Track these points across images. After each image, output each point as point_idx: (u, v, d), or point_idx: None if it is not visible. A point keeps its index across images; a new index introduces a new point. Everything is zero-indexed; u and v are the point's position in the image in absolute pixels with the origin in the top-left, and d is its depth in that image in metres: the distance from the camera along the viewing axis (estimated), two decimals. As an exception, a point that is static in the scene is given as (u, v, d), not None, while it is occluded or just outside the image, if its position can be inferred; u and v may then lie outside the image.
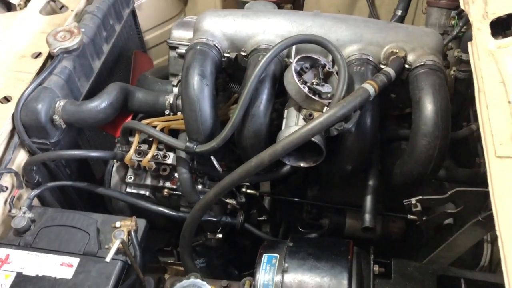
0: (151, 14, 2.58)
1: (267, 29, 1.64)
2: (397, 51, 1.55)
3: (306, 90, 1.44)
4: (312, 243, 1.46)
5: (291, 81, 1.46)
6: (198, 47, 1.59)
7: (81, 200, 1.89)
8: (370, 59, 1.57)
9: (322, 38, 1.49)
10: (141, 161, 1.66)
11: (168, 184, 1.73)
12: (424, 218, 1.56)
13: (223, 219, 1.70)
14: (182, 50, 1.93)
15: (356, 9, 2.67)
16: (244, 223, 1.72)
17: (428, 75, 1.50)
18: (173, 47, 1.97)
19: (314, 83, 1.48)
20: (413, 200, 1.47)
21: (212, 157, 1.55)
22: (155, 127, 1.68)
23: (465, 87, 1.94)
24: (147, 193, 1.75)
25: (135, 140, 1.64)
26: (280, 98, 1.65)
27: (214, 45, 1.61)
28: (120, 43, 2.20)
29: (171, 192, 1.73)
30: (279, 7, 2.32)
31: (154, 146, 1.63)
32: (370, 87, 1.39)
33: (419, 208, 1.48)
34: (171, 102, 1.76)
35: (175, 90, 1.87)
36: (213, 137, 1.54)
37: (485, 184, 1.54)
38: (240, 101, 1.46)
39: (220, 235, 1.76)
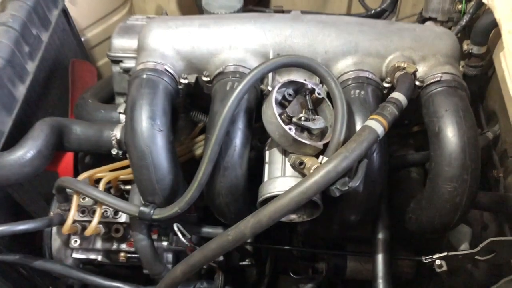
0: (88, 8, 2.12)
1: (234, 43, 1.25)
2: (404, 65, 1.19)
3: (293, 132, 1.08)
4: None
5: (273, 121, 1.10)
6: (144, 76, 1.19)
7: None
8: (370, 76, 1.21)
9: (308, 60, 1.11)
10: (87, 222, 1.29)
11: (124, 247, 1.37)
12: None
13: (197, 285, 1.37)
14: (127, 64, 1.53)
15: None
16: (224, 287, 1.39)
17: (447, 96, 1.16)
18: (117, 61, 1.55)
19: (302, 118, 1.12)
20: (437, 260, 1.16)
21: (175, 226, 1.19)
22: (98, 180, 1.29)
23: (476, 85, 1.61)
24: (99, 258, 1.39)
25: (73, 203, 1.26)
26: (257, 124, 1.28)
27: (166, 70, 1.22)
28: (52, 54, 1.76)
29: (129, 255, 1.37)
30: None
31: (100, 208, 1.25)
32: (377, 126, 1.04)
33: (444, 268, 1.17)
34: (118, 138, 1.38)
35: (122, 118, 1.48)
36: (175, 196, 1.18)
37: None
38: (207, 152, 1.09)
39: (195, 300, 1.43)
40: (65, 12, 1.89)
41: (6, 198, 1.50)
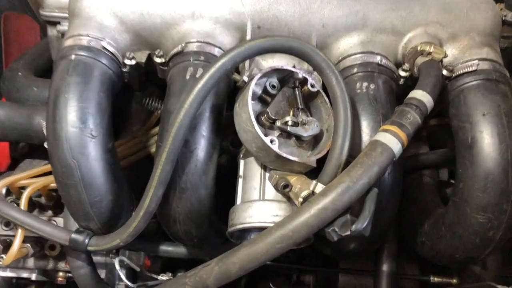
0: None
1: (199, 9, 0.91)
2: (430, 49, 0.87)
3: (276, 146, 0.78)
4: None
5: (248, 129, 0.79)
6: (72, 57, 0.86)
7: None
8: (383, 62, 0.90)
9: (301, 43, 0.79)
10: (11, 238, 1.00)
11: (62, 266, 1.10)
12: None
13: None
14: (65, 26, 1.18)
15: None
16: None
17: (485, 94, 0.86)
18: (52, 22, 1.20)
19: (289, 122, 0.81)
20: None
21: (117, 264, 0.91)
22: (23, 188, 0.99)
23: (508, 60, 1.30)
24: (33, 277, 1.12)
25: (-14, 223, 0.95)
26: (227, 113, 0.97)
27: (104, 48, 0.89)
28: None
29: (69, 275, 1.10)
30: None
31: (20, 231, 0.95)
32: (394, 142, 0.74)
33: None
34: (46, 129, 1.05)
35: (61, 99, 1.15)
36: (117, 221, 0.89)
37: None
38: (155, 170, 0.79)
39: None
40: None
41: None
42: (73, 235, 0.88)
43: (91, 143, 0.82)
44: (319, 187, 0.76)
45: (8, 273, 1.12)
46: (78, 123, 0.81)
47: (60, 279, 1.10)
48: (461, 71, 0.89)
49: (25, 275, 1.13)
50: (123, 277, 0.93)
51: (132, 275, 1.16)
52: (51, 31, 1.22)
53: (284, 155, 0.78)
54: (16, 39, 1.53)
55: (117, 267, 0.93)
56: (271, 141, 0.78)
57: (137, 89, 1.19)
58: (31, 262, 1.10)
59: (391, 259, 1.01)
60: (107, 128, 0.86)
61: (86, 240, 0.88)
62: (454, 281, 1.11)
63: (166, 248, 1.07)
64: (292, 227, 0.72)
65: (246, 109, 0.79)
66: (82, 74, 0.85)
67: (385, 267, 1.00)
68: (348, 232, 0.72)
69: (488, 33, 0.94)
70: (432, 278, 1.14)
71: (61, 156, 0.81)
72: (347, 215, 0.73)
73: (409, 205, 1.08)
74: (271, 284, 1.33)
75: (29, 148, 1.33)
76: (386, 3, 0.92)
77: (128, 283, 0.95)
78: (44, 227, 0.90)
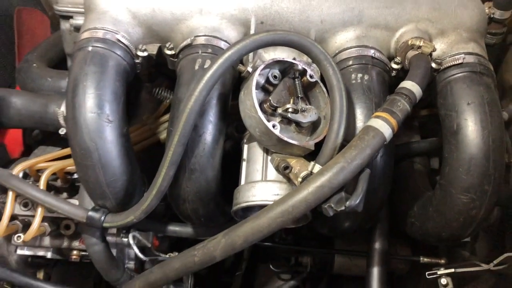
0: None
1: (206, 5, 0.98)
2: (420, 43, 0.94)
3: (278, 130, 0.86)
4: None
5: (252, 115, 0.86)
6: (89, 49, 0.93)
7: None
8: (376, 56, 0.97)
9: (301, 37, 0.86)
10: (32, 217, 1.08)
11: (76, 244, 1.17)
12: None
13: (163, 290, 1.18)
14: (78, 20, 1.24)
15: None
16: (194, 290, 1.21)
17: (470, 85, 0.93)
18: (66, 16, 1.27)
19: (290, 109, 0.89)
20: (442, 278, 0.99)
21: (131, 238, 0.98)
22: (40, 172, 1.06)
23: (495, 57, 1.38)
24: (49, 255, 1.19)
25: (9, 202, 1.02)
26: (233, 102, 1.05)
27: (118, 40, 0.96)
28: (-10, 2, 1.47)
29: (82, 253, 1.17)
30: None
31: (40, 210, 1.03)
32: (385, 127, 0.82)
33: (450, 286, 1.00)
34: (66, 115, 1.13)
35: (75, 89, 1.22)
36: (130, 200, 0.96)
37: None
38: (167, 152, 0.86)
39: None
40: None
41: None
42: (90, 213, 0.96)
43: (108, 127, 0.90)
44: (317, 168, 0.84)
45: (26, 251, 1.19)
46: (96, 109, 0.89)
47: (74, 256, 1.18)
48: (449, 64, 0.96)
49: (41, 253, 1.20)
50: (136, 250, 1.01)
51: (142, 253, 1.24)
52: (64, 25, 1.29)
53: (285, 138, 0.86)
54: (28, 33, 1.59)
55: (131, 241, 1.01)
56: (273, 126, 0.86)
57: (147, 80, 1.27)
58: (47, 241, 1.17)
59: (383, 238, 1.09)
60: (122, 114, 0.93)
61: (102, 217, 0.95)
62: (442, 261, 1.19)
63: (174, 228, 1.15)
64: (292, 203, 0.79)
65: (250, 97, 0.86)
66: (98, 64, 0.92)
67: (377, 245, 1.08)
68: (343, 208, 0.80)
69: (474, 29, 1.01)
70: (422, 258, 1.22)
71: (80, 140, 0.89)
72: (342, 192, 0.81)
73: (401, 190, 1.16)
74: (271, 266, 1.42)
75: (43, 135, 1.40)
76: (380, 1, 1.00)
77: (141, 255, 1.02)
78: (63, 206, 0.97)
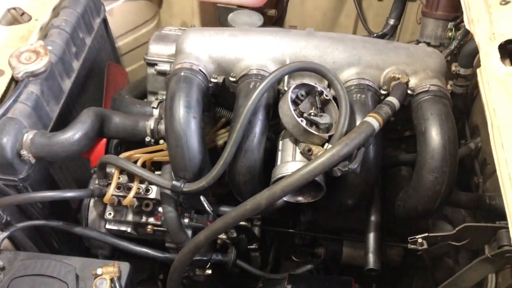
0: (123, 19, 2.38)
1: (257, 51, 1.50)
2: (399, 76, 1.43)
3: (304, 123, 1.32)
4: (312, 283, 1.36)
5: (288, 113, 1.33)
6: (182, 74, 1.43)
7: (57, 235, 1.72)
8: (370, 84, 1.45)
9: (320, 66, 1.36)
10: (122, 197, 1.51)
11: (151, 220, 1.58)
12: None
13: (213, 257, 1.58)
14: (161, 67, 1.78)
15: (343, 12, 2.53)
16: (236, 260, 1.60)
17: (433, 103, 1.39)
18: (152, 64, 1.80)
19: (312, 113, 1.35)
20: (419, 239, 1.38)
21: (202, 198, 1.41)
22: (136, 161, 1.52)
23: (462, 103, 1.85)
24: (129, 230, 1.60)
25: (115, 177, 1.48)
26: (272, 121, 1.51)
27: (200, 70, 1.46)
28: (92, 56, 2.01)
29: (155, 228, 1.58)
30: (263, 14, 2.18)
31: (136, 183, 1.48)
32: (374, 121, 1.27)
33: (425, 246, 1.39)
34: (152, 127, 1.61)
35: (155, 112, 1.72)
36: (202, 174, 1.40)
37: (491, 216, 1.47)
38: (232, 136, 1.32)
39: (209, 271, 1.64)
40: (105, 21, 2.15)
41: (48, 177, 1.72)
42: (174, 182, 1.39)
43: (193, 121, 1.37)
44: (329, 147, 1.28)
45: (112, 226, 1.61)
46: (186, 108, 1.36)
47: (148, 230, 1.58)
48: (419, 91, 1.43)
49: (123, 228, 1.61)
50: (205, 204, 1.41)
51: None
52: (150, 70, 1.82)
53: (309, 129, 1.31)
54: (113, 81, 2.12)
55: (202, 199, 1.42)
56: (301, 121, 1.32)
57: (206, 109, 1.76)
58: (130, 216, 1.59)
59: (377, 213, 1.49)
60: (201, 115, 1.41)
61: (182, 185, 1.38)
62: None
63: (225, 209, 1.56)
64: (314, 165, 1.21)
65: (287, 102, 1.33)
66: (188, 82, 1.41)
67: (372, 218, 1.48)
68: (346, 169, 1.23)
69: (437, 70, 1.49)
70: (409, 245, 1.60)
71: (175, 128, 1.35)
72: (346, 161, 1.24)
73: (391, 188, 1.58)
74: (293, 257, 1.80)
75: (121, 147, 1.86)
76: (373, 51, 1.50)
77: (209, 205, 1.42)
78: (155, 177, 1.42)
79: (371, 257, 1.41)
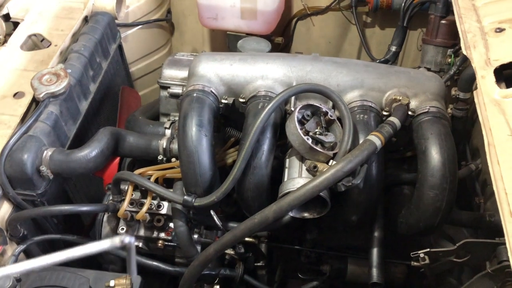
0: (137, 45, 2.50)
1: (266, 74, 1.58)
2: (400, 98, 1.51)
3: (310, 141, 1.39)
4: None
5: (294, 132, 1.40)
6: (194, 95, 1.52)
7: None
8: (372, 106, 1.53)
9: (325, 87, 1.44)
10: (135, 213, 1.57)
11: (162, 235, 1.64)
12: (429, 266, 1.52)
13: (221, 272, 1.63)
14: (174, 90, 1.87)
15: (347, 40, 2.64)
16: (243, 275, 1.64)
17: (433, 123, 1.46)
18: (165, 87, 1.89)
19: (317, 132, 1.43)
20: (421, 254, 1.43)
21: (212, 212, 1.47)
22: (149, 177, 1.59)
23: (462, 125, 1.92)
24: (140, 244, 1.66)
25: (129, 192, 1.55)
26: (280, 141, 1.59)
27: (211, 91, 1.55)
28: (107, 80, 2.11)
29: (165, 243, 1.64)
30: (270, 41, 2.28)
31: (149, 198, 1.55)
32: (376, 140, 1.34)
33: (427, 261, 1.43)
34: (164, 146, 1.69)
35: (168, 132, 1.80)
36: (212, 189, 1.47)
37: (492, 233, 1.52)
38: (241, 153, 1.39)
39: (217, 287, 1.68)
40: (120, 47, 2.26)
41: (63, 194, 1.79)
42: (185, 197, 1.46)
43: (204, 138, 1.44)
44: (334, 163, 1.35)
45: (124, 241, 1.67)
46: (198, 126, 1.44)
47: (159, 245, 1.64)
48: (420, 112, 1.51)
49: (135, 242, 1.67)
50: (215, 218, 1.47)
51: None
52: (163, 93, 1.91)
53: (314, 146, 1.38)
54: (126, 104, 2.22)
55: (212, 213, 1.48)
56: (307, 139, 1.39)
57: (216, 130, 1.84)
58: (141, 231, 1.65)
59: (380, 230, 1.54)
60: (212, 134, 1.48)
61: (193, 200, 1.45)
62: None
63: (233, 224, 1.62)
64: (320, 180, 1.27)
65: (293, 121, 1.40)
66: (200, 102, 1.50)
67: (376, 234, 1.53)
68: (350, 184, 1.29)
69: (437, 93, 1.57)
70: (412, 262, 1.64)
71: (187, 144, 1.43)
72: (349, 177, 1.31)
73: (393, 207, 1.63)
74: (299, 274, 1.84)
75: (133, 166, 1.93)
76: (375, 74, 1.58)
77: (218, 222, 1.49)
78: (168, 192, 1.49)
79: (374, 271, 1.46)
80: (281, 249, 1.86)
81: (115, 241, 0.61)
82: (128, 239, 0.62)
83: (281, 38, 2.48)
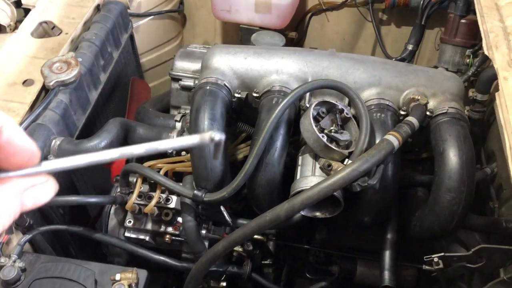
0: (148, 36, 2.46)
1: (280, 69, 1.54)
2: (418, 97, 1.47)
3: (325, 139, 1.35)
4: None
5: (309, 129, 1.37)
6: (207, 88, 1.48)
7: (75, 241, 1.76)
8: (390, 104, 1.49)
9: (342, 84, 1.40)
10: (143, 206, 1.54)
11: (170, 230, 1.61)
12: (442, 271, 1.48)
13: (229, 269, 1.60)
14: (185, 82, 1.84)
15: (362, 37, 2.60)
16: (251, 273, 1.61)
17: (451, 124, 1.42)
18: (176, 79, 1.86)
19: (332, 130, 1.39)
20: (434, 258, 1.39)
21: (222, 208, 1.44)
22: (158, 170, 1.56)
23: (478, 128, 1.87)
24: (147, 238, 1.63)
25: (138, 185, 1.52)
26: (292, 138, 1.55)
27: (225, 84, 1.51)
28: (118, 70, 2.08)
29: (173, 238, 1.61)
30: (284, 35, 2.24)
31: (158, 192, 1.51)
32: (394, 139, 1.30)
33: (441, 266, 1.40)
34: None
35: (178, 125, 1.77)
36: (222, 185, 1.43)
37: (508, 239, 1.48)
38: (254, 149, 1.36)
39: (224, 284, 1.65)
40: (131, 37, 2.23)
41: (70, 185, 1.77)
42: (195, 191, 1.43)
43: (216, 132, 1.41)
44: (349, 162, 1.31)
45: (131, 234, 1.64)
46: (210, 120, 1.41)
47: (167, 239, 1.61)
48: (438, 113, 1.47)
49: (141, 236, 1.64)
50: (225, 214, 1.44)
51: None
52: (174, 85, 1.88)
53: (329, 144, 1.35)
54: (136, 95, 2.19)
55: (222, 209, 1.45)
56: (322, 136, 1.35)
57: (228, 125, 1.80)
58: (149, 225, 1.62)
59: (393, 232, 1.50)
60: (224, 128, 1.45)
61: (203, 195, 1.42)
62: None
63: (242, 221, 1.59)
64: (334, 179, 1.24)
65: (308, 118, 1.37)
66: (212, 96, 1.46)
67: (389, 236, 1.49)
68: (366, 184, 1.25)
69: (455, 94, 1.53)
70: (424, 266, 1.60)
71: (199, 138, 1.39)
72: (365, 177, 1.27)
73: (407, 209, 1.60)
74: (307, 274, 1.81)
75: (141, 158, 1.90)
76: (393, 72, 1.54)
77: (228, 218, 1.46)
78: (177, 186, 1.45)
79: (386, 274, 1.42)
80: (289, 248, 1.83)
81: (205, 136, 0.58)
82: (218, 136, 0.59)
83: (294, 33, 2.44)
